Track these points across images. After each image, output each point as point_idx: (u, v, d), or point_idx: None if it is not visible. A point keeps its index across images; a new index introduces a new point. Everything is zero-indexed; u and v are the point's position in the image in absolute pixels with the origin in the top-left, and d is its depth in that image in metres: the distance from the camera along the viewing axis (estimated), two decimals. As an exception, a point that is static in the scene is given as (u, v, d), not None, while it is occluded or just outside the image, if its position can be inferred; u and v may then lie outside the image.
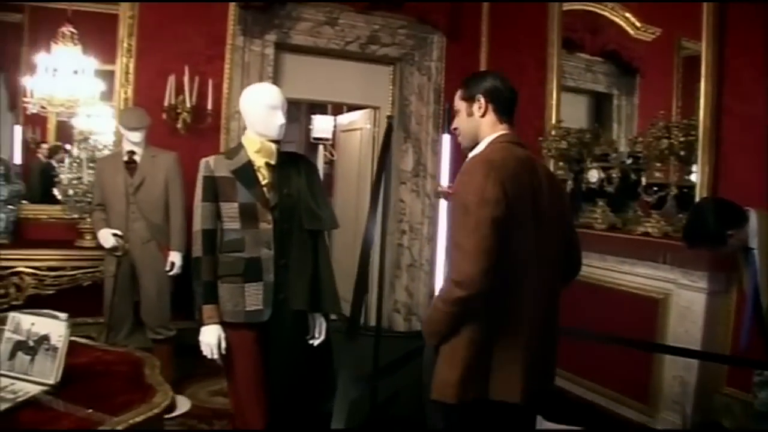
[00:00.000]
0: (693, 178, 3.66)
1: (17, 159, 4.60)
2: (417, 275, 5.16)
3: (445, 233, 2.10)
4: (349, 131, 5.76)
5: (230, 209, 2.45)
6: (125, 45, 4.21)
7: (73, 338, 2.72)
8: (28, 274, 3.70)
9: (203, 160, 2.51)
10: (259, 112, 2.48)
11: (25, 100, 4.34)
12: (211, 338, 2.41)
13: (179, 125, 4.27)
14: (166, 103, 4.15)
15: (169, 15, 4.30)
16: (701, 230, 2.94)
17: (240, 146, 2.54)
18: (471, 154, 2.01)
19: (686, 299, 3.56)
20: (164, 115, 4.16)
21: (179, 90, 4.22)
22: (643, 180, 3.89)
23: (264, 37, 4.57)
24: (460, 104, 2.06)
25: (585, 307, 3.72)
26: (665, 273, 3.67)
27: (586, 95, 5.25)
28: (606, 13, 4.90)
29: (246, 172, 2.46)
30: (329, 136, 6.25)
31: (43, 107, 4.28)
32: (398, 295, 5.20)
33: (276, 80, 4.69)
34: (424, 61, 5.04)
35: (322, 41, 4.77)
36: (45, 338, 2.25)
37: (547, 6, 4.62)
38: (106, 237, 3.46)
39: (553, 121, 4.58)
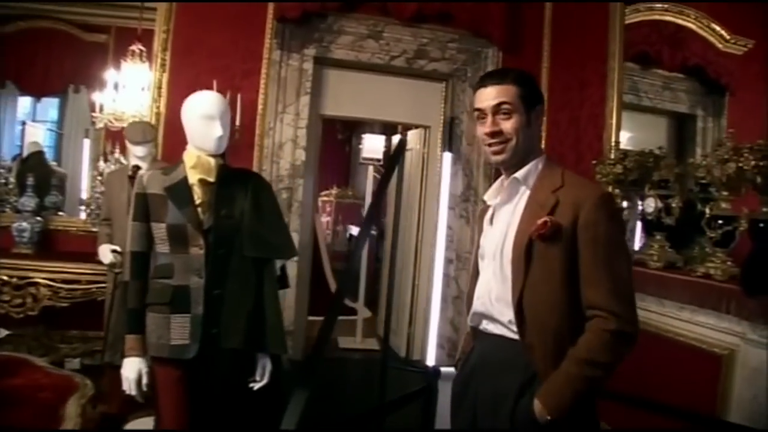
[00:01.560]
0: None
1: (85, 171, 4.80)
2: (464, 308, 4.75)
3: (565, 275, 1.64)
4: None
5: (159, 230, 2.22)
6: (159, 59, 4.19)
7: (23, 356, 2.65)
8: (44, 285, 3.72)
9: (138, 175, 2.33)
10: (194, 123, 2.24)
11: (94, 115, 4.53)
12: (129, 372, 2.20)
13: (212, 141, 4.18)
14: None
15: (205, 29, 4.26)
16: (765, 273, 2.43)
17: (180, 161, 2.33)
18: (524, 176, 1.74)
19: (756, 359, 2.90)
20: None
21: (210, 105, 4.15)
22: (707, 211, 3.32)
23: (302, 51, 4.42)
24: (516, 103, 1.70)
25: (640, 356, 3.19)
26: (730, 324, 3.04)
27: (666, 116, 4.69)
28: (689, 24, 4.38)
29: (179, 190, 2.23)
30: (380, 156, 5.97)
31: (110, 122, 4.42)
32: (442, 328, 4.81)
33: (315, 96, 4.53)
34: (477, 77, 4.66)
35: (365, 55, 4.54)
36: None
37: (608, 14, 4.12)
38: (105, 253, 3.41)
39: (613, 142, 4.07)
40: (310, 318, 4.90)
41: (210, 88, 4.03)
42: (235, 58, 4.29)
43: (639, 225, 3.89)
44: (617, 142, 4.04)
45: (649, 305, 3.39)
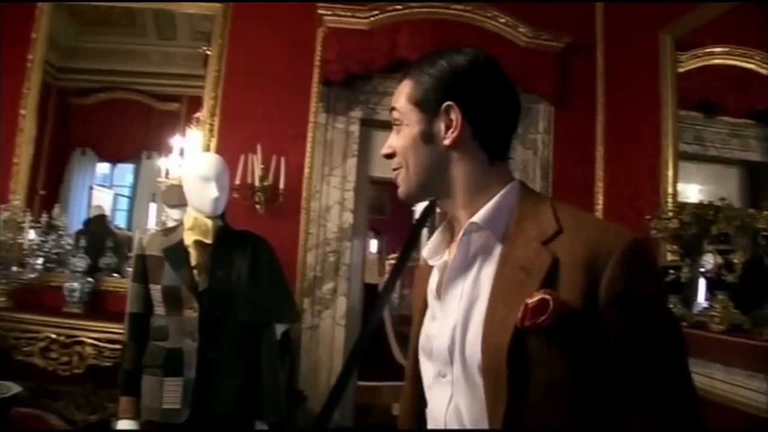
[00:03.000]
0: None
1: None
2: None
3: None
4: (456, 210, 5.34)
5: (156, 292, 2.23)
6: (207, 125, 4.32)
7: (39, 413, 2.68)
8: (89, 344, 3.80)
9: (138, 236, 2.36)
10: (191, 185, 2.27)
11: (159, 179, 4.73)
12: None
13: (258, 205, 4.23)
14: (237, 182, 4.13)
15: (251, 95, 4.36)
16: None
17: (181, 223, 2.34)
18: (487, 219, 1.09)
19: (837, 435, 2.58)
20: (236, 194, 4.13)
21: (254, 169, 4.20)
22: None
23: (348, 114, 4.43)
24: (405, 110, 1.15)
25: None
26: (809, 398, 2.71)
27: (737, 166, 4.38)
28: (754, 67, 4.12)
29: (175, 252, 2.24)
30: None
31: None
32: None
33: (362, 157, 4.49)
34: (528, 134, 4.50)
35: (411, 115, 4.49)
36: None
37: (659, 61, 3.93)
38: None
39: (670, 195, 3.81)
40: (361, 383, 4.77)
41: (255, 152, 4.14)
42: (282, 122, 4.35)
43: (702, 284, 3.59)
44: (674, 195, 3.78)
45: (714, 372, 3.06)
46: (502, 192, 1.11)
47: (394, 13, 4.21)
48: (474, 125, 1.11)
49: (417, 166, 1.14)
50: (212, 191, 2.24)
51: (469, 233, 1.12)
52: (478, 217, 1.09)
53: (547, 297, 0.95)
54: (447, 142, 1.11)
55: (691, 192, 4.11)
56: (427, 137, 1.12)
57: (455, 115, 1.10)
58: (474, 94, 1.11)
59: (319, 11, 4.22)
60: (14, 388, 2.26)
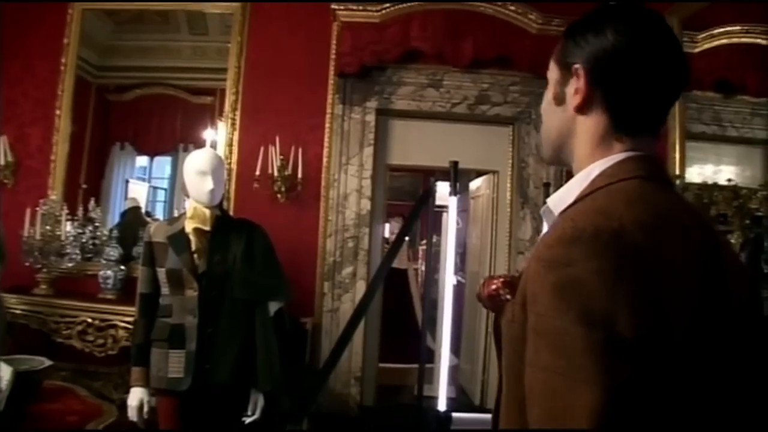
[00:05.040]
0: None
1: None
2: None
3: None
4: (476, 198, 5.44)
5: (161, 274, 2.47)
6: (230, 118, 4.54)
7: (70, 386, 2.94)
8: (122, 327, 4.08)
9: (147, 225, 2.58)
10: (190, 178, 2.49)
11: None
12: (132, 401, 2.46)
13: (279, 194, 4.42)
14: (258, 172, 4.34)
15: (271, 89, 4.56)
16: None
17: (184, 213, 2.56)
18: (557, 201, 1.02)
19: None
20: (256, 185, 4.35)
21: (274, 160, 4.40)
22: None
23: (364, 104, 4.58)
24: (551, 68, 1.10)
25: None
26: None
27: (761, 146, 4.37)
28: (771, 44, 4.13)
29: (178, 238, 2.46)
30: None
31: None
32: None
33: (379, 146, 4.65)
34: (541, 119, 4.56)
35: (426, 104, 4.62)
36: (-2, 380, 2.46)
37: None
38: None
39: (677, 177, 3.84)
40: (382, 365, 4.94)
41: (278, 144, 4.34)
42: (300, 114, 4.54)
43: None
44: (679, 177, 3.81)
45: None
46: (586, 169, 1.00)
47: (404, 5, 4.33)
48: (604, 91, 1.00)
49: (547, 128, 1.11)
50: (208, 184, 2.45)
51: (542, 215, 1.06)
52: (551, 198, 1.03)
53: (503, 279, 1.06)
54: (572, 106, 1.02)
55: (722, 174, 4.12)
56: (560, 99, 1.05)
57: (581, 78, 1.01)
58: (603, 57, 0.98)
59: (333, 6, 4.39)
60: (46, 362, 2.52)
